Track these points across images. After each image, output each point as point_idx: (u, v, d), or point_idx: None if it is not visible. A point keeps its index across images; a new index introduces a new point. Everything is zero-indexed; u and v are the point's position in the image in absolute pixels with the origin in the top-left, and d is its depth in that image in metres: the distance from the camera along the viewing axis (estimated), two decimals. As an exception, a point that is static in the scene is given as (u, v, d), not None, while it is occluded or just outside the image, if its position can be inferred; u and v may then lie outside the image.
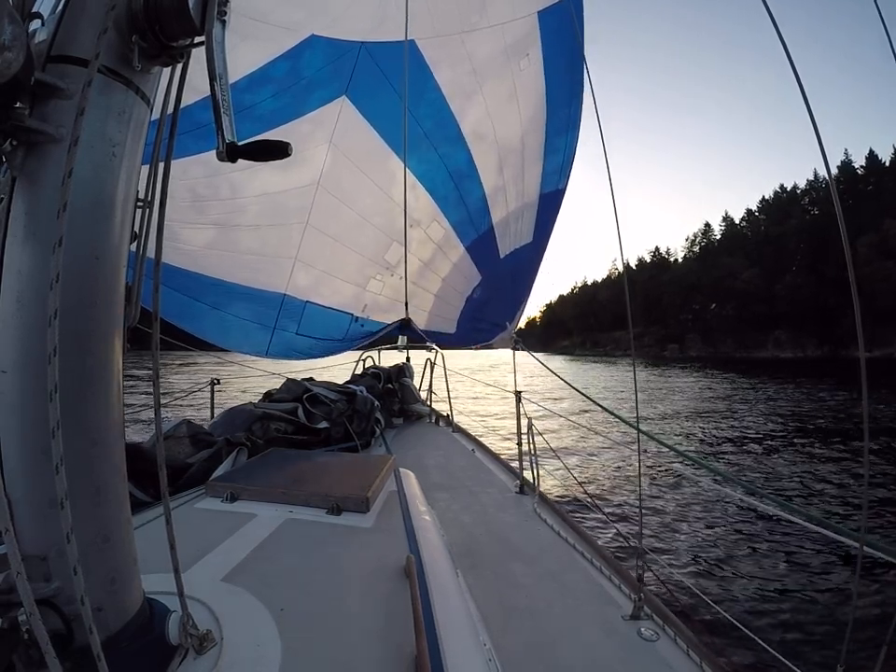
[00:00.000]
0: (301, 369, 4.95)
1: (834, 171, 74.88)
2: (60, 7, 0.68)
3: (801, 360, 57.13)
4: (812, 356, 62.56)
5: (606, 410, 2.67)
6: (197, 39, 0.74)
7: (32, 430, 0.65)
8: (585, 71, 2.54)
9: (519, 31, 4.13)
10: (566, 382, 3.21)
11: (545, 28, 4.19)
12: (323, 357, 5.17)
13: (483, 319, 5.57)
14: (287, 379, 3.81)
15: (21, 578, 0.59)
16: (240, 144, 0.76)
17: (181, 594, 0.82)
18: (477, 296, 5.50)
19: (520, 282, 5.67)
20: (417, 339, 5.62)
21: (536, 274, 5.75)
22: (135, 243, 0.85)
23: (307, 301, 4.61)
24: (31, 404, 0.64)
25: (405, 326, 4.16)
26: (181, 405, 10.11)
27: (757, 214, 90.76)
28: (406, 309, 3.97)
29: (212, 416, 3.69)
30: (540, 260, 5.68)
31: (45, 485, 0.63)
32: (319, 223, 4.25)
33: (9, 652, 0.61)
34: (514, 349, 4.54)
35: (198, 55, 0.76)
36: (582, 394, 2.95)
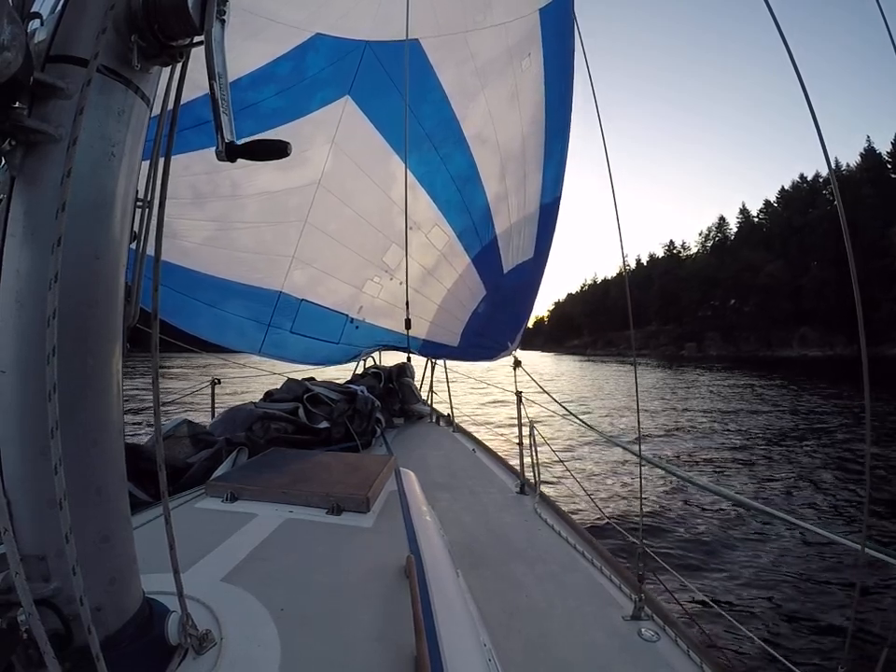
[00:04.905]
0: (301, 369, 4.95)
1: (857, 159, 73.38)
2: (59, 6, 0.68)
3: (830, 359, 53.76)
4: (841, 354, 58.31)
5: (606, 437, 2.68)
6: (196, 39, 0.74)
7: (31, 430, 0.65)
8: (586, 66, 2.53)
9: (521, 29, 4.12)
10: (575, 416, 3.21)
11: (546, 26, 4.17)
12: (316, 366, 5.14)
13: (486, 336, 5.54)
14: (288, 379, 3.81)
15: (20, 578, 0.59)
16: (239, 143, 0.76)
17: (181, 594, 0.82)
18: (482, 311, 5.47)
19: (522, 300, 5.66)
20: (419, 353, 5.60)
21: (536, 294, 5.73)
22: (135, 242, 0.85)
23: (302, 300, 4.59)
24: (30, 404, 0.64)
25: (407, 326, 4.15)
26: (182, 405, 10.11)
27: (776, 205, 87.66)
28: (407, 308, 3.96)
29: (212, 416, 3.69)
30: (541, 279, 5.67)
31: (44, 485, 0.63)
32: (318, 221, 4.25)
33: (8, 653, 0.61)
34: (514, 366, 4.51)
35: (198, 54, 0.76)
36: (582, 421, 2.96)
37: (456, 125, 4.38)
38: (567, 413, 3.44)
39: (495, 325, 5.52)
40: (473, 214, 4.93)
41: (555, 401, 3.40)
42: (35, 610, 0.59)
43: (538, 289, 5.75)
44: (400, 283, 4.73)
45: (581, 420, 3.13)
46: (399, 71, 3.67)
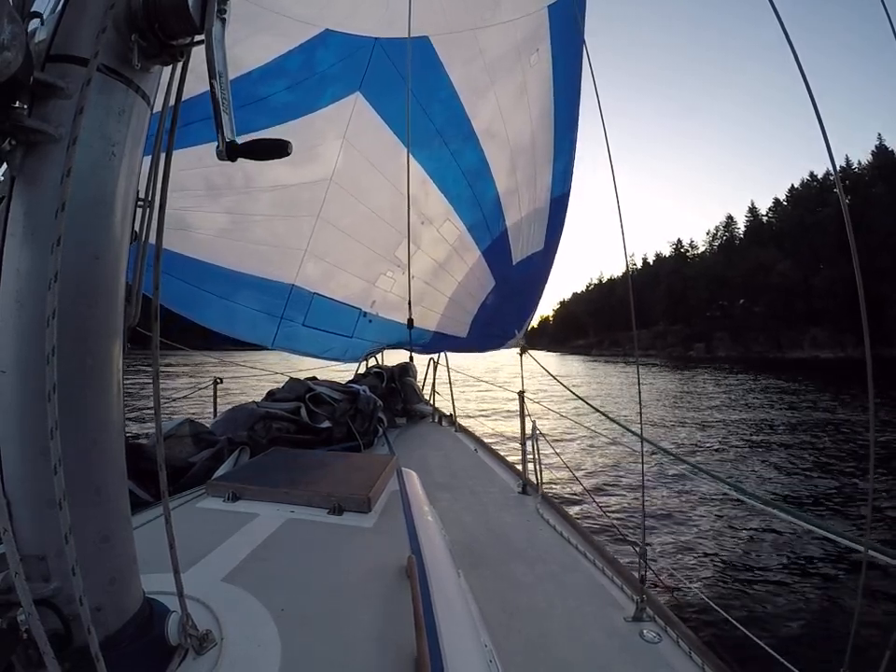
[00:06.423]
0: (303, 368, 4.96)
1: (868, 157, 73.00)
2: (59, 6, 0.68)
3: (841, 361, 51.85)
4: (852, 355, 56.12)
5: (608, 417, 2.68)
6: (197, 38, 0.74)
7: (31, 430, 0.64)
8: (588, 64, 2.54)
9: (529, 26, 4.14)
10: (575, 394, 3.22)
11: (554, 23, 4.19)
12: (329, 359, 5.18)
13: (494, 325, 5.61)
14: (290, 378, 3.81)
15: (20, 578, 0.59)
16: (240, 143, 0.75)
17: (181, 594, 0.82)
18: (490, 302, 5.55)
19: (530, 290, 5.72)
20: (423, 350, 5.63)
21: (545, 283, 5.81)
22: (136, 242, 0.85)
23: (315, 293, 4.63)
24: (30, 404, 0.64)
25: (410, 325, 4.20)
26: (183, 405, 10.12)
27: (786, 203, 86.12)
28: (409, 308, 3.98)
29: (214, 415, 3.69)
30: (550, 269, 5.74)
31: (44, 485, 0.63)
32: (331, 216, 4.28)
33: (8, 653, 0.61)
34: (521, 352, 4.54)
35: (200, 51, 0.76)
36: (585, 401, 2.96)
37: (467, 121, 4.41)
38: (572, 397, 3.44)
39: (503, 315, 5.60)
40: (484, 208, 4.98)
41: (564, 386, 3.40)
42: (34, 610, 0.59)
43: (546, 279, 5.83)
44: (414, 277, 4.77)
45: (589, 404, 3.12)
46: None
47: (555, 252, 5.65)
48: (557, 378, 3.47)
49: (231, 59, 0.75)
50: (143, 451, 1.90)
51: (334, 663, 0.85)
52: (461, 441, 4.35)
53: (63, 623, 0.66)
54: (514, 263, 5.43)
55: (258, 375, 5.35)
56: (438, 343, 5.70)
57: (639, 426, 2.12)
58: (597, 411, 2.94)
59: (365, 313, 5.10)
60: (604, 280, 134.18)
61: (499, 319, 5.59)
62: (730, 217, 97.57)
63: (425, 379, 5.68)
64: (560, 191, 5.27)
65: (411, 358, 5.47)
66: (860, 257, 1.21)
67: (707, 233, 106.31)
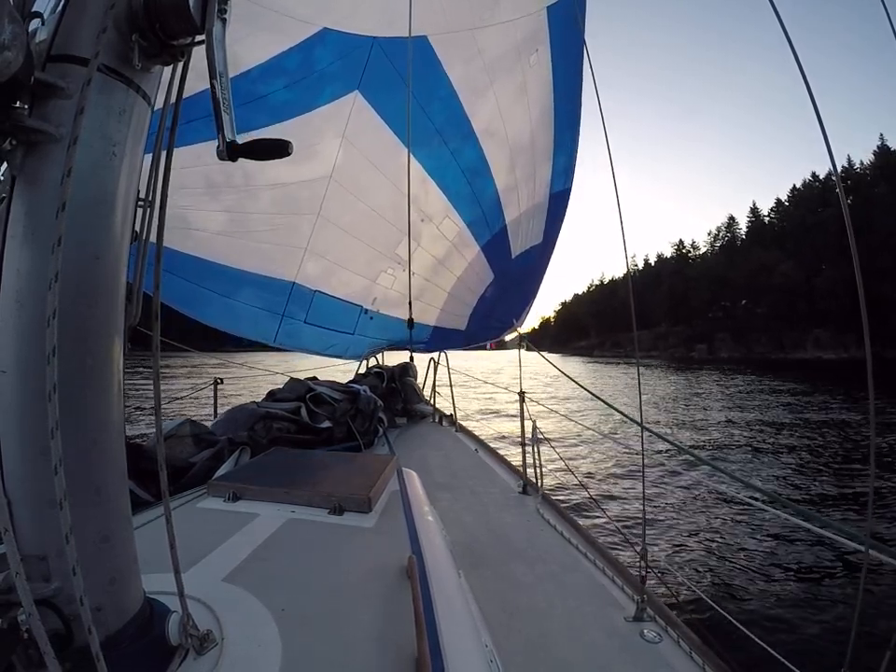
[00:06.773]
0: (304, 368, 4.97)
1: (870, 157, 73.10)
2: (60, 6, 0.68)
3: (844, 361, 51.31)
4: (855, 355, 55.59)
5: (610, 406, 2.67)
6: (197, 38, 0.74)
7: (31, 430, 0.64)
8: (588, 65, 2.56)
9: (529, 27, 4.16)
10: (572, 379, 3.22)
11: (553, 23, 4.21)
12: (331, 356, 5.22)
13: (493, 317, 5.69)
14: (291, 378, 3.81)
15: (21, 578, 0.59)
16: (240, 143, 0.75)
17: (181, 593, 0.82)
18: (489, 294, 5.63)
19: (529, 281, 5.79)
20: (423, 349, 5.67)
21: (544, 274, 5.89)
22: (136, 242, 0.85)
23: (316, 291, 4.68)
24: (30, 404, 0.64)
25: (410, 324, 4.23)
26: (184, 405, 10.13)
27: (788, 204, 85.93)
28: (410, 308, 4.00)
29: (215, 416, 3.69)
30: (549, 261, 5.80)
31: (44, 485, 0.63)
32: (331, 215, 4.30)
33: (9, 653, 0.61)
34: (520, 348, 4.59)
35: (199, 50, 0.76)
36: (587, 390, 2.95)
37: (466, 120, 4.43)
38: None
39: (501, 306, 5.68)
40: (483, 204, 5.03)
41: (567, 377, 3.39)
42: (35, 610, 0.59)
43: (544, 271, 5.92)
44: (414, 273, 4.80)
45: (592, 393, 3.11)
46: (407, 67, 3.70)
47: (554, 245, 5.72)
48: (560, 369, 3.46)
49: (229, 57, 0.75)
50: (143, 451, 1.90)
51: (335, 663, 0.85)
52: (461, 442, 4.35)
53: (63, 622, 0.66)
54: (513, 257, 5.50)
55: (258, 376, 5.35)
56: (438, 340, 5.72)
57: (640, 423, 2.11)
58: (601, 400, 2.92)
59: (366, 310, 5.15)
60: (605, 281, 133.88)
61: (498, 311, 5.66)
62: (731, 218, 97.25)
63: (425, 379, 5.67)
64: (560, 188, 5.32)
65: (411, 358, 5.47)
66: (861, 257, 1.21)
67: (709, 234, 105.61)
